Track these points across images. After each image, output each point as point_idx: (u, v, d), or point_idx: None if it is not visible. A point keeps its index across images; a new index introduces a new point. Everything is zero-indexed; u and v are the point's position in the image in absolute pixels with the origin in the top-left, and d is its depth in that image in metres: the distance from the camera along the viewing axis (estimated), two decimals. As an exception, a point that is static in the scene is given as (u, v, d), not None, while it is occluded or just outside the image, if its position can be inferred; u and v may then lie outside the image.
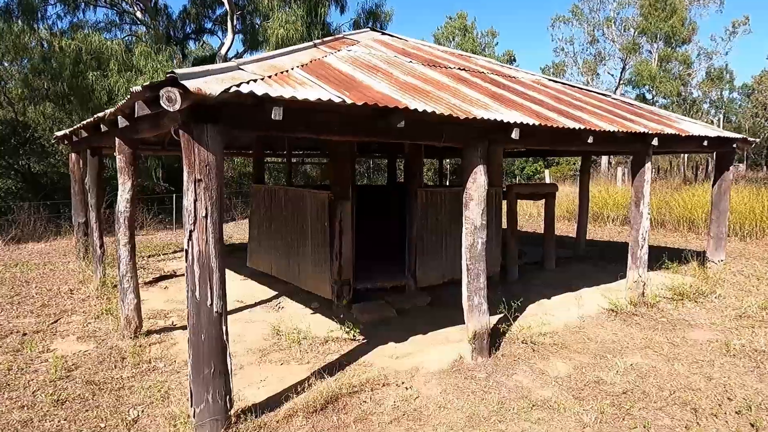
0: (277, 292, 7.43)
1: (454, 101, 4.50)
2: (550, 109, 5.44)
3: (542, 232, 9.20)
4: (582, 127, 4.95)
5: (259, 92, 3.03)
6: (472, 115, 4.10)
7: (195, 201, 3.07)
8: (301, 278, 7.21)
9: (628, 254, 6.57)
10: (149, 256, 10.38)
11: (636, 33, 35.43)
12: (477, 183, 4.48)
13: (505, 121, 4.30)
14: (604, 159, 32.26)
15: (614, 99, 7.71)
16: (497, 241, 7.85)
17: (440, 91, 4.84)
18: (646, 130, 5.74)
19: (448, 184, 24.94)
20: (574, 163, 32.80)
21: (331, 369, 4.64)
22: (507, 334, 5.41)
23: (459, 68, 6.57)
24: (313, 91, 3.43)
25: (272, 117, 3.13)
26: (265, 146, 8.92)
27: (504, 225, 8.37)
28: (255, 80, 3.34)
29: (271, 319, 6.20)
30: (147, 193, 20.26)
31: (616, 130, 5.29)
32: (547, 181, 26.95)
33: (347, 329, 5.51)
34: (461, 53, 8.51)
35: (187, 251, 3.15)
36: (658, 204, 14.37)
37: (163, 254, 10.72)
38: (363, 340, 5.46)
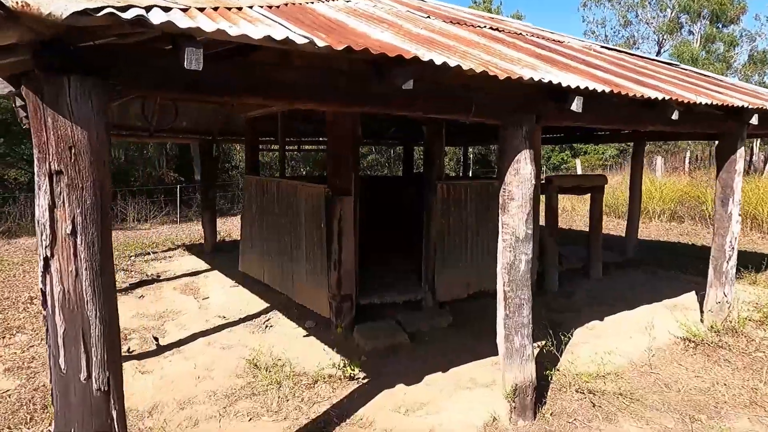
0: (268, 305, 6.21)
1: (487, 58, 3.14)
2: (616, 76, 4.03)
3: (579, 229, 7.84)
4: (666, 97, 3.54)
5: (157, 21, 1.74)
6: (516, 75, 2.74)
7: (52, 208, 1.82)
8: (296, 290, 5.98)
9: (709, 266, 5.12)
10: (137, 255, 9.29)
11: (673, 13, 33.00)
12: (521, 176, 3.13)
13: (563, 84, 2.93)
14: (639, 147, 30.09)
15: (684, 68, 6.20)
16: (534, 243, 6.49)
17: (468, 47, 3.48)
18: (745, 104, 4.28)
19: (471, 175, 23.49)
20: (603, 153, 30.68)
21: (316, 430, 3.39)
22: (554, 377, 4.06)
23: (491, 28, 5.17)
24: (263, 28, 2.13)
25: (185, 65, 1.84)
26: (262, 132, 7.67)
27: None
28: (167, 9, 2.05)
29: (253, 343, 4.99)
30: (155, 184, 19.37)
31: (709, 102, 3.85)
32: (579, 171, 25.09)
33: (344, 364, 4.24)
34: (493, 16, 7.08)
35: (43, 292, 1.89)
36: (705, 196, 12.70)
37: (153, 252, 9.62)
38: (364, 379, 4.19)
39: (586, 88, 3.05)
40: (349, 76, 2.53)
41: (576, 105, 3.06)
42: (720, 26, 32.38)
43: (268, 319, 5.75)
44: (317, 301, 5.48)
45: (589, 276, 7.25)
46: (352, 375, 4.17)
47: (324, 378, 4.15)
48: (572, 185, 7.04)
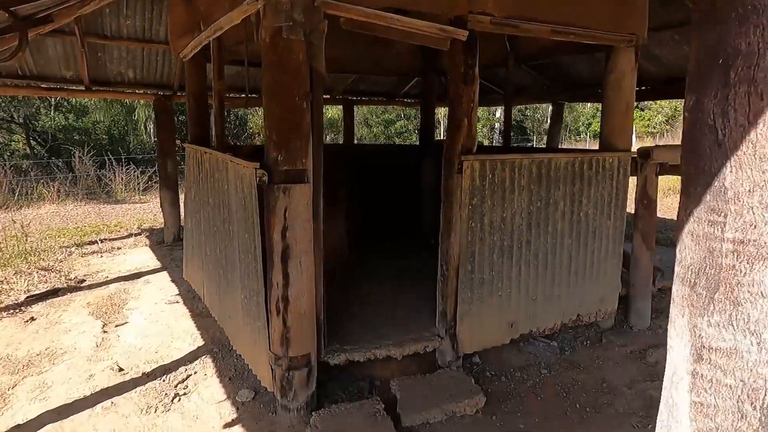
0: (201, 344, 4.06)
1: None
2: None
3: (659, 215, 5.38)
4: None
5: None
6: None
7: None
8: (232, 330, 3.76)
9: None
10: (81, 245, 7.27)
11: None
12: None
13: None
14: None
15: None
16: (614, 249, 4.08)
17: None
18: None
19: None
20: (649, 120, 27.04)
21: None
22: None
23: None
24: None
25: None
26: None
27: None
28: None
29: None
30: (147, 152, 17.37)
31: None
32: (633, 139, 21.78)
33: None
34: None
35: None
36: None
37: (102, 240, 7.56)
38: None
39: None
40: None
41: None
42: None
43: (187, 377, 3.57)
44: (256, 360, 3.25)
45: (693, 299, 4.78)
46: None
47: None
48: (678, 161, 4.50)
